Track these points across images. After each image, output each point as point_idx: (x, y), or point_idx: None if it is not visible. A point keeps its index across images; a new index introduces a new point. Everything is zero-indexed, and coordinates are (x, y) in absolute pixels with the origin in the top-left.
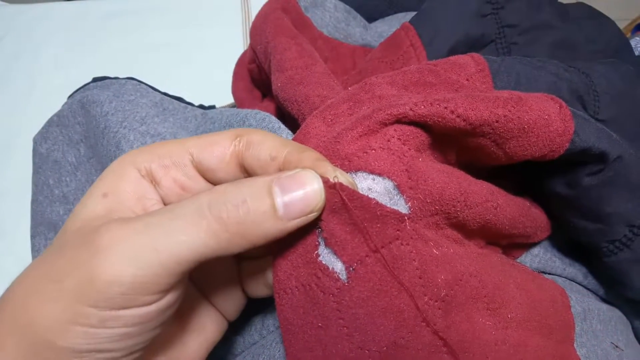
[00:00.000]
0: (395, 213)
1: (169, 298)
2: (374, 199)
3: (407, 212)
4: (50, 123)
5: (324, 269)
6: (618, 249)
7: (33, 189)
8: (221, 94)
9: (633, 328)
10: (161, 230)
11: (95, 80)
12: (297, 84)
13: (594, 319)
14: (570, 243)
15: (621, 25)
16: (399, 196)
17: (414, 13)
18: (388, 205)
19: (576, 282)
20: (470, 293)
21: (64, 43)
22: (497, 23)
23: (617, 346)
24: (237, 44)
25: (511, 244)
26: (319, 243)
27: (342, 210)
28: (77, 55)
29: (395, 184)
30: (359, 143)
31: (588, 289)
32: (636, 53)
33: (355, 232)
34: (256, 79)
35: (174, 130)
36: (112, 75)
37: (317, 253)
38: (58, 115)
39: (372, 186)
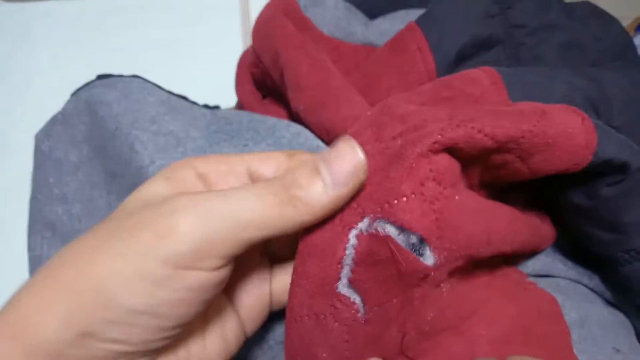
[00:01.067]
0: (426, 268)
1: (226, 270)
2: (413, 253)
3: (433, 264)
4: (54, 121)
5: (344, 300)
6: (633, 259)
7: (32, 186)
8: (219, 93)
9: (637, 333)
10: (232, 200)
11: (99, 77)
12: (319, 108)
13: (592, 325)
14: (574, 246)
15: (624, 23)
16: (425, 247)
17: (415, 10)
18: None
19: (582, 284)
20: (444, 324)
21: (62, 41)
22: (505, 24)
23: (619, 350)
24: (235, 42)
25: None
26: (341, 278)
27: (387, 262)
28: (75, 53)
29: (423, 237)
30: (389, 185)
31: (594, 291)
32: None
33: (387, 281)
34: (258, 81)
35: (184, 128)
36: (115, 73)
37: (337, 285)
38: (62, 113)
39: (397, 236)
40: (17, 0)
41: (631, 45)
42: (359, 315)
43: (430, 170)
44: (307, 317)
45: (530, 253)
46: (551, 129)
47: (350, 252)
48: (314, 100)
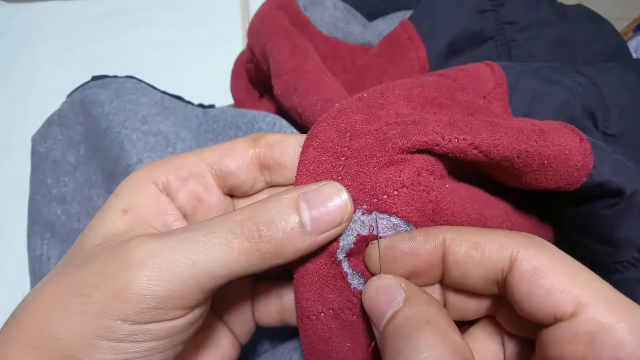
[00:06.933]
0: None
1: (196, 313)
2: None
3: None
4: (50, 122)
5: (357, 293)
6: (625, 269)
7: (30, 188)
8: (219, 93)
9: None
10: (196, 246)
11: (94, 78)
12: (292, 91)
13: None
14: (571, 251)
15: (623, 24)
16: None
17: None
18: None
19: None
20: None
21: (63, 42)
22: (496, 20)
23: None
24: (236, 43)
25: None
26: (347, 272)
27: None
28: (76, 54)
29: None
30: (386, 175)
31: None
32: (638, 53)
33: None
34: (253, 78)
35: (175, 129)
36: (111, 74)
37: (348, 282)
38: (58, 114)
39: (397, 226)
40: (19, 1)
41: (624, 50)
42: None
43: (425, 161)
44: (322, 314)
45: None
46: (548, 149)
47: (343, 244)
48: (288, 84)
